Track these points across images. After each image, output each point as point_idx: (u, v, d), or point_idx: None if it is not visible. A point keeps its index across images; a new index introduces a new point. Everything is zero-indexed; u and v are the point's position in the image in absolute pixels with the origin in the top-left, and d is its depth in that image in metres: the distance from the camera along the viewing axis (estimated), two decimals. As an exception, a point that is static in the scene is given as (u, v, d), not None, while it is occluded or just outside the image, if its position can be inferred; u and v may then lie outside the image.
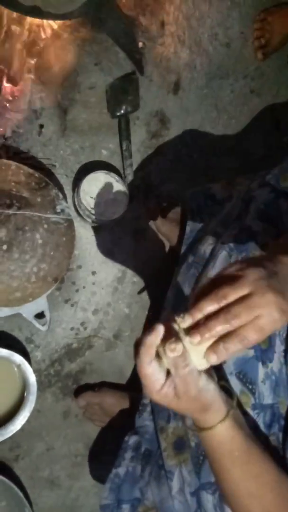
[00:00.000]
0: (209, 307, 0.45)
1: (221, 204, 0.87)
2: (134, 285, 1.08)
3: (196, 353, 0.46)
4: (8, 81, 0.92)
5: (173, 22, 1.02)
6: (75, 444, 1.00)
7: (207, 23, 1.08)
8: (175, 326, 0.46)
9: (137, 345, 0.47)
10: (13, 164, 0.87)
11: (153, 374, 0.46)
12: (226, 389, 0.53)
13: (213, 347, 0.45)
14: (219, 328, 0.44)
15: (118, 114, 0.93)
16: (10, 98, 0.94)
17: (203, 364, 0.47)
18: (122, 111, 0.92)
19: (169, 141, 1.07)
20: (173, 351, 0.45)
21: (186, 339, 0.46)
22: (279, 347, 0.62)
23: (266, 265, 0.46)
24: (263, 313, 0.43)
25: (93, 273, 1.05)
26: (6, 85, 0.92)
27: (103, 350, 1.05)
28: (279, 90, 1.19)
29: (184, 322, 0.46)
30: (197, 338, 0.45)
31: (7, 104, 0.94)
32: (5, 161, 0.87)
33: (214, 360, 0.45)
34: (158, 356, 0.47)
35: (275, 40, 1.08)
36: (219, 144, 1.12)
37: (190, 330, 0.46)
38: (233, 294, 0.44)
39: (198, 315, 0.45)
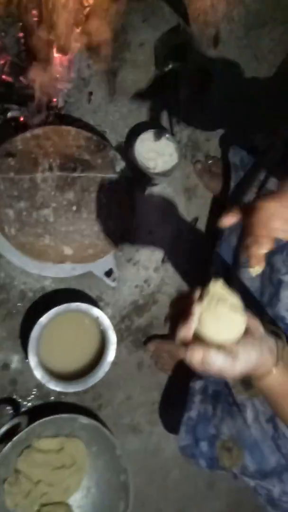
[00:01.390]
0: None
1: (264, 154, 0.88)
2: (190, 243, 1.12)
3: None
4: (58, 51, 0.95)
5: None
6: (151, 393, 1.05)
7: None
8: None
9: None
10: (73, 130, 0.91)
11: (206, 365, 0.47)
12: (275, 333, 0.54)
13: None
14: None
15: (166, 69, 0.95)
16: (60, 69, 0.98)
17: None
18: (170, 66, 0.94)
19: (213, 96, 1.09)
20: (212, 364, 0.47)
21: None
22: None
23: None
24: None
25: (150, 232, 1.09)
26: (56, 55, 0.95)
27: (167, 305, 1.09)
28: None
29: None
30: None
31: (58, 75, 0.98)
32: (65, 127, 0.91)
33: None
34: None
35: None
36: (261, 93, 1.13)
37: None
38: None
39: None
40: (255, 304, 0.72)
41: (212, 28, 1.05)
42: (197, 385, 0.84)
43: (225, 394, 0.77)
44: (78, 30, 0.96)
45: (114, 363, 0.99)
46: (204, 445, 0.78)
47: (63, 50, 0.95)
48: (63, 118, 0.99)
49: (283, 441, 0.68)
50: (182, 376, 1.03)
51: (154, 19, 0.91)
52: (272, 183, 0.76)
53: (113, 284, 0.98)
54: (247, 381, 0.72)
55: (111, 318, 1.05)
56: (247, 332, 0.50)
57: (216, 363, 0.47)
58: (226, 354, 0.47)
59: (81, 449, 0.94)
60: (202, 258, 1.12)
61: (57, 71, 0.97)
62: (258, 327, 0.51)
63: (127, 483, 0.91)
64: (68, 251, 0.88)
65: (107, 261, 0.95)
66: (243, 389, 0.73)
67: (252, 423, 0.71)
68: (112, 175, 0.93)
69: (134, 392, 1.04)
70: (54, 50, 0.96)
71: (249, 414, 0.72)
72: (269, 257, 0.74)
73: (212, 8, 1.05)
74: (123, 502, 0.91)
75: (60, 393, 0.97)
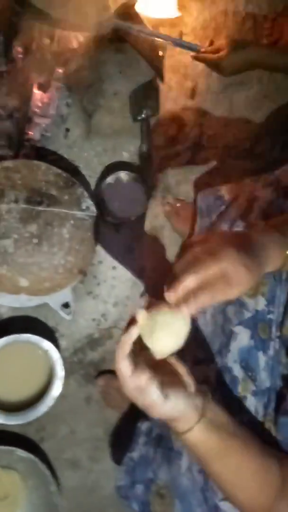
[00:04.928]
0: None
1: (229, 204, 0.93)
2: (152, 281, 1.14)
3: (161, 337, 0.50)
4: (39, 88, 0.99)
5: (190, 33, 1.09)
6: (96, 429, 1.05)
7: (222, 33, 1.14)
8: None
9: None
10: (43, 165, 0.94)
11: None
12: (203, 391, 0.55)
13: (184, 300, 0.49)
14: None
15: (139, 118, 1.00)
16: (40, 104, 1.01)
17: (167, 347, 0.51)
18: (143, 115, 0.99)
19: (186, 144, 1.14)
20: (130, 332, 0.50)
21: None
22: (274, 334, 0.68)
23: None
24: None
25: (114, 268, 1.11)
26: (36, 92, 0.99)
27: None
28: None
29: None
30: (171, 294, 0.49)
31: (37, 110, 1.01)
32: (36, 162, 0.94)
33: (185, 311, 0.49)
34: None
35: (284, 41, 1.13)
36: (234, 147, 1.18)
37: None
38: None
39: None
40: (207, 351, 0.75)
41: (190, 81, 1.10)
42: (144, 426, 0.84)
43: (167, 438, 0.78)
44: (60, 71, 1.00)
45: (62, 396, 0.99)
46: (139, 488, 0.78)
47: (43, 88, 0.99)
48: (38, 150, 1.03)
49: (210, 494, 0.69)
50: (131, 415, 1.04)
51: (130, 71, 0.96)
52: None
53: (68, 317, 0.99)
54: None
55: (65, 350, 1.06)
56: (181, 384, 0.52)
57: (152, 396, 0.49)
58: (161, 392, 0.49)
59: (16, 482, 0.94)
60: (162, 298, 1.15)
61: (37, 106, 1.01)
62: (191, 384, 0.53)
63: (59, 521, 0.91)
64: (24, 282, 0.90)
65: (64, 294, 0.97)
66: None
67: (185, 472, 0.72)
68: (77, 212, 0.96)
69: (79, 427, 1.04)
70: (35, 86, 1.00)
71: (184, 463, 0.73)
72: (223, 306, 0.76)
73: (192, 62, 1.11)
74: (52, 540, 0.90)
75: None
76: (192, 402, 0.52)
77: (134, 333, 0.51)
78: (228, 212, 0.87)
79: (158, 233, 1.16)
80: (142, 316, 0.51)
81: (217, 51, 0.95)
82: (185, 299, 0.49)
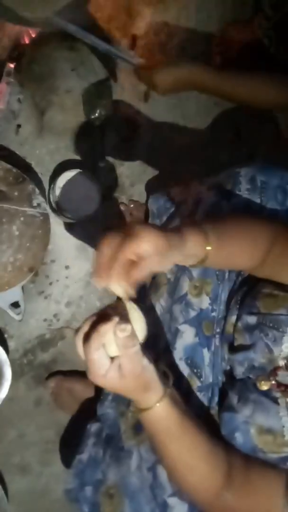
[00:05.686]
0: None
1: (178, 206, 0.96)
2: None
3: (138, 324, 0.52)
4: (-12, 82, 0.97)
5: (143, 36, 1.11)
6: (46, 431, 1.03)
7: (175, 37, 1.17)
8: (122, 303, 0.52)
9: (80, 333, 0.51)
10: (-8, 160, 0.92)
11: (100, 360, 0.49)
12: (164, 372, 0.58)
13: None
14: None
15: (92, 117, 1.00)
16: (-10, 98, 0.99)
17: (142, 332, 0.53)
18: (96, 114, 0.99)
19: (139, 145, 1.15)
20: (123, 331, 0.49)
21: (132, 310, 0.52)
22: (215, 331, 0.71)
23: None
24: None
25: (66, 267, 1.10)
26: (-14, 85, 0.97)
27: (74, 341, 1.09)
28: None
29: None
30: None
31: (-14, 104, 0.99)
32: (-16, 156, 0.91)
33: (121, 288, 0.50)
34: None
35: (232, 54, 1.18)
36: (186, 150, 1.22)
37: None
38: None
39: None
40: (154, 349, 0.76)
41: (143, 84, 1.12)
42: (93, 427, 0.84)
43: (117, 438, 0.78)
44: (11, 66, 0.98)
45: (9, 399, 0.96)
46: (89, 490, 0.77)
47: (-7, 82, 0.97)
48: (-14, 145, 1.00)
49: (160, 490, 0.70)
50: (81, 416, 1.02)
51: (83, 70, 0.96)
52: None
53: (17, 317, 0.97)
54: (139, 424, 0.75)
55: (14, 351, 1.03)
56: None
57: (134, 359, 0.50)
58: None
59: None
60: (115, 298, 1.15)
61: (-14, 100, 0.98)
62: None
63: (5, 529, 0.87)
64: None
65: (14, 293, 0.95)
66: (132, 434, 0.75)
67: (135, 470, 0.73)
68: (27, 209, 0.94)
69: (28, 430, 1.01)
70: (-15, 80, 0.97)
71: (134, 461, 0.73)
72: (170, 305, 0.78)
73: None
74: None
75: None
76: (158, 374, 0.55)
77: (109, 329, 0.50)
78: (176, 214, 0.90)
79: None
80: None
81: (151, 67, 0.93)
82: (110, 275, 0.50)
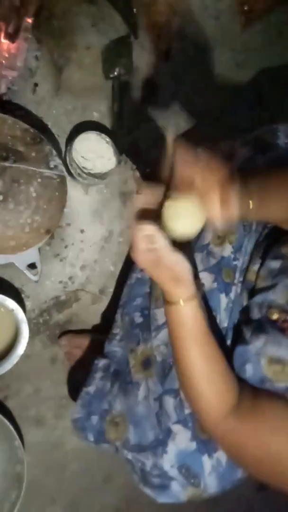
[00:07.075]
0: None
1: None
2: (119, 245, 1.15)
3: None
4: (5, 37, 0.94)
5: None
6: (61, 387, 1.07)
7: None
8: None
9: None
10: (10, 119, 0.91)
11: (140, 240, 0.56)
12: (198, 282, 0.62)
13: None
14: None
15: (111, 76, 0.97)
16: (6, 55, 0.96)
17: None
18: (115, 73, 0.96)
19: (158, 107, 1.12)
20: (140, 230, 0.56)
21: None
22: (238, 279, 0.72)
23: None
24: None
25: (82, 231, 1.10)
26: (3, 41, 0.94)
27: (89, 304, 1.12)
28: (263, 65, 1.25)
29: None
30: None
31: (3, 61, 0.96)
32: (1, 115, 0.90)
33: None
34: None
35: (259, 5, 1.12)
36: (205, 113, 1.18)
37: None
38: None
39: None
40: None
41: (164, 43, 1.08)
42: (101, 363, 0.87)
43: (125, 373, 0.82)
44: (29, 21, 0.95)
45: (26, 356, 1.00)
46: (95, 419, 0.81)
47: (11, 37, 0.94)
48: (3, 104, 0.98)
49: (164, 418, 0.73)
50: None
51: (103, 26, 0.92)
52: None
53: (34, 278, 0.98)
54: (148, 361, 0.77)
55: (30, 311, 1.06)
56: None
57: (159, 242, 0.56)
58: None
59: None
60: (126, 262, 1.16)
61: (3, 57, 0.96)
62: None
63: (22, 474, 0.93)
64: (-12, 240, 0.87)
65: (31, 255, 0.96)
66: (141, 369, 0.78)
67: (142, 400, 0.76)
68: (45, 170, 0.94)
69: (43, 386, 1.06)
70: (2, 35, 0.94)
71: (141, 392, 0.77)
72: (192, 255, 0.79)
73: (167, 23, 1.09)
74: (15, 491, 0.93)
75: None
76: (192, 275, 0.59)
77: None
78: None
79: (127, 198, 1.16)
80: (168, 203, 0.58)
81: None
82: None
